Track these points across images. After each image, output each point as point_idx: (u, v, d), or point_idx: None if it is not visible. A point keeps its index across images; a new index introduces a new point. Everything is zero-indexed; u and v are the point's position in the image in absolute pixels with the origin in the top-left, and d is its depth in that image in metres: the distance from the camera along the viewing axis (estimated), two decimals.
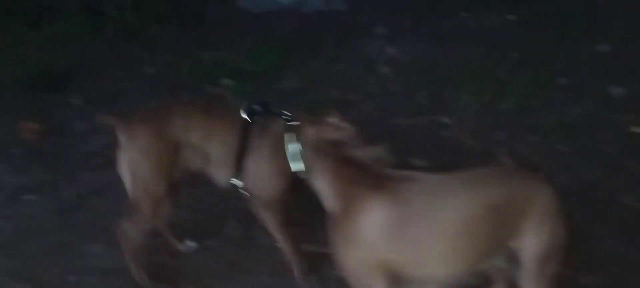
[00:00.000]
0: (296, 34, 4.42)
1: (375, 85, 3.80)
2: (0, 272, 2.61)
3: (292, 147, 2.18)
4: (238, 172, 2.29)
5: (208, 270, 2.56)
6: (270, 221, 2.38)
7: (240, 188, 2.33)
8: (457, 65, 3.91)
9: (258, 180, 2.29)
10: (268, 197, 2.33)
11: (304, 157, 2.12)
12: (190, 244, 2.67)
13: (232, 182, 2.32)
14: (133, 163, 2.27)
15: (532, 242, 1.85)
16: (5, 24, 4.66)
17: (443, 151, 3.12)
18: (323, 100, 3.55)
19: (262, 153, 2.26)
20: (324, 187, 1.98)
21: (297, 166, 2.16)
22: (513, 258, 1.92)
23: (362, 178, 1.88)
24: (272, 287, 2.50)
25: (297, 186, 2.24)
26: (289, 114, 2.28)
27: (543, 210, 1.84)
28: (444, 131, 3.32)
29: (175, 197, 2.50)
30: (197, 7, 4.85)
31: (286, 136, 2.20)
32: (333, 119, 2.17)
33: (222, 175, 2.33)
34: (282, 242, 2.44)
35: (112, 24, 4.74)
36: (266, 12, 4.73)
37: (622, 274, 2.38)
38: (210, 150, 2.29)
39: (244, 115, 2.27)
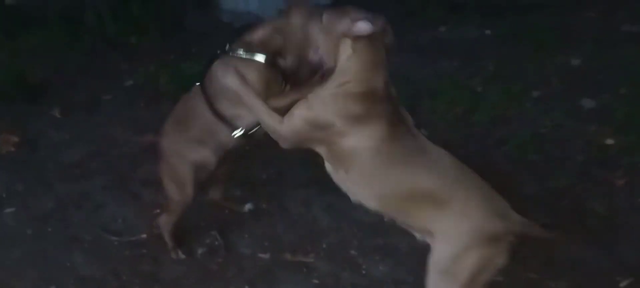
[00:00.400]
0: None
1: None
2: None
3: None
4: None
5: (189, 278, 2.57)
6: None
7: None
8: (433, 77, 4.00)
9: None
10: None
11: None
12: (248, 206, 2.90)
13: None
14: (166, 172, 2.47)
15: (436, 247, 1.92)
16: None
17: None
18: None
19: None
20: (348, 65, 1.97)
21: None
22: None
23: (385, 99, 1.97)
24: None
25: None
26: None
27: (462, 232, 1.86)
28: None
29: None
30: (177, 18, 4.87)
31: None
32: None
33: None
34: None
35: (91, 34, 4.72)
36: (247, 25, 4.74)
37: (586, 279, 2.47)
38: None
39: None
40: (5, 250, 2.73)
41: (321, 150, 2.03)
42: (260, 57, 2.17)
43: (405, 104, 3.58)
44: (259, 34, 2.24)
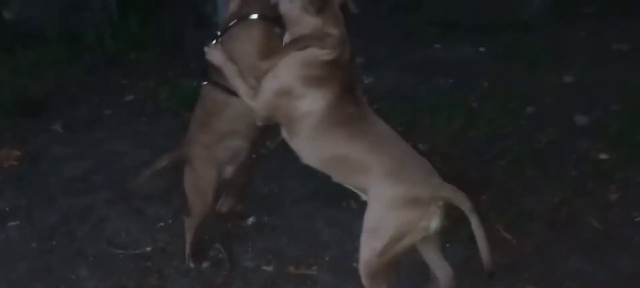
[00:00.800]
0: None
1: None
2: None
3: None
4: None
5: None
6: None
7: None
8: (430, 94, 4.08)
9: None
10: None
11: None
12: (251, 219, 2.97)
13: None
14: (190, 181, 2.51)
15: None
16: None
17: None
18: None
19: None
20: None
21: None
22: None
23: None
24: None
25: None
26: None
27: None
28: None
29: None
30: (176, 35, 4.93)
31: None
32: None
33: None
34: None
35: (90, 51, 4.77)
36: None
37: None
38: None
39: None
40: (11, 264, 2.74)
41: (281, 117, 2.14)
42: (253, 15, 2.21)
43: (403, 120, 3.75)
44: (234, 3, 2.29)
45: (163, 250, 2.78)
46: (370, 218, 2.04)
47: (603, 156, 3.34)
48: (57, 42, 4.73)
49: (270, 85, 2.09)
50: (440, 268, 2.28)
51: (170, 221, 2.95)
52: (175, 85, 4.28)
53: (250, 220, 2.96)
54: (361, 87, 2.21)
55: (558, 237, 2.83)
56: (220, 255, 2.76)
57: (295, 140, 2.14)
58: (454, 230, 2.83)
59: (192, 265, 2.67)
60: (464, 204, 2.00)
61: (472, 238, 2.78)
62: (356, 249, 2.74)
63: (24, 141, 3.71)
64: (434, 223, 2.01)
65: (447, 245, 2.76)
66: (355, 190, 2.17)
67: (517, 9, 4.84)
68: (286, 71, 2.08)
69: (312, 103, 2.06)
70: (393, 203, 1.99)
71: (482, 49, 4.69)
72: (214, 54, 2.20)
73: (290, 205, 3.06)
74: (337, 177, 2.17)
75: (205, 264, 2.71)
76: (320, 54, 2.05)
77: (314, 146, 2.12)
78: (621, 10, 5.14)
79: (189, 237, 2.64)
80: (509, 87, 4.08)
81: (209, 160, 2.41)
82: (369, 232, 2.04)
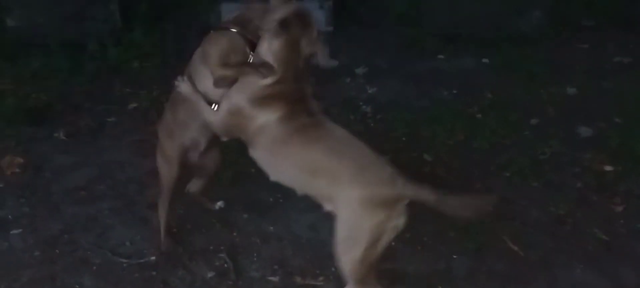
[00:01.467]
0: None
1: (356, 123, 3.93)
2: None
3: None
4: None
5: None
6: None
7: None
8: (433, 105, 4.09)
9: None
10: None
11: None
12: (219, 204, 3.08)
13: None
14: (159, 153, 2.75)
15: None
16: None
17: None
18: None
19: None
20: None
21: None
22: None
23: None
24: None
25: None
26: None
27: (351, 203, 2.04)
28: (425, 167, 3.45)
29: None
30: (180, 44, 4.94)
31: None
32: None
33: None
34: None
35: (93, 60, 4.76)
36: None
37: None
38: None
39: None
40: (14, 273, 2.72)
41: (240, 134, 2.27)
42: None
43: (406, 131, 3.76)
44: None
45: (168, 259, 2.76)
46: (343, 226, 2.07)
47: (607, 168, 3.36)
48: (60, 51, 4.71)
49: (224, 105, 2.25)
50: None
51: (174, 230, 2.93)
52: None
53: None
54: (314, 99, 2.27)
55: (562, 248, 2.84)
56: (226, 265, 2.75)
57: (257, 155, 2.25)
58: (459, 242, 2.85)
59: (169, 248, 2.80)
60: (430, 197, 2.06)
61: (478, 249, 2.83)
62: None
63: (27, 149, 3.70)
64: (402, 221, 2.08)
65: (454, 256, 2.78)
66: (319, 201, 2.19)
67: (517, 22, 4.88)
68: (236, 93, 2.22)
69: (263, 120, 2.17)
70: (363, 207, 2.02)
71: (484, 61, 4.72)
72: (182, 86, 2.41)
73: (295, 215, 3.05)
74: (301, 188, 2.22)
75: (210, 274, 2.71)
76: (261, 81, 2.18)
77: (274, 160, 2.21)
78: (621, 23, 5.19)
79: (162, 219, 2.80)
80: (512, 99, 4.10)
81: (171, 137, 2.62)
82: (345, 242, 2.08)
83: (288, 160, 2.17)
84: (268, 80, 2.17)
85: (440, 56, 4.84)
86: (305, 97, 2.23)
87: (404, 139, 3.74)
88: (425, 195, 2.06)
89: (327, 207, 2.15)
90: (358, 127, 3.89)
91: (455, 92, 4.28)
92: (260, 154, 2.24)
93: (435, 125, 3.80)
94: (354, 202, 2.03)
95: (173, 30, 5.10)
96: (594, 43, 4.99)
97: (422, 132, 3.78)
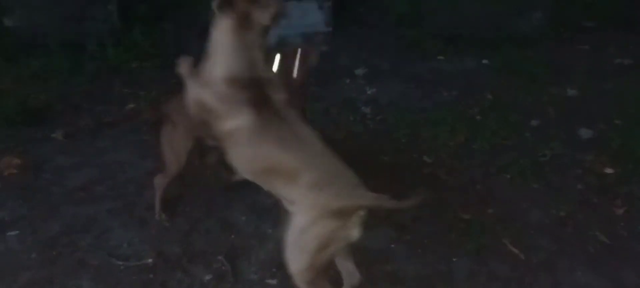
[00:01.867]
0: None
1: (356, 124, 3.91)
2: None
3: None
4: None
5: None
6: None
7: None
8: (433, 106, 4.08)
9: None
10: None
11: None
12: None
13: None
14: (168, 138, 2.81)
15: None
16: None
17: (424, 188, 3.23)
18: None
19: None
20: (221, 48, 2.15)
21: None
22: None
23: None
24: None
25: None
26: None
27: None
28: (425, 168, 3.43)
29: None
30: (179, 44, 4.93)
31: None
32: None
33: None
34: None
35: (93, 60, 4.75)
36: None
37: None
38: None
39: None
40: (11, 275, 2.71)
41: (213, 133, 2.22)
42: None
43: (406, 132, 3.75)
44: None
45: (166, 262, 2.75)
46: (294, 230, 2.05)
47: (608, 170, 3.34)
48: (60, 51, 4.71)
49: (190, 94, 2.24)
50: (350, 275, 2.36)
51: (174, 232, 2.92)
52: (177, 94, 4.24)
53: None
54: (283, 90, 2.21)
55: (564, 250, 2.82)
56: (224, 268, 2.73)
57: (230, 157, 2.20)
58: (460, 244, 2.84)
59: (166, 222, 2.92)
60: (390, 204, 2.02)
61: (478, 252, 2.81)
62: (361, 263, 2.76)
63: (26, 150, 3.68)
64: (355, 232, 2.05)
65: (454, 258, 2.76)
66: (282, 200, 2.18)
67: (518, 23, 4.87)
68: (198, 87, 2.20)
69: (232, 122, 2.11)
70: (315, 215, 1.99)
71: (485, 62, 4.70)
72: (183, 65, 2.35)
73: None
74: (267, 187, 2.20)
75: (208, 276, 2.69)
76: (219, 70, 2.14)
77: (242, 160, 2.18)
78: (622, 24, 5.18)
79: (158, 193, 2.91)
80: (512, 100, 4.09)
81: (185, 125, 2.62)
82: (294, 246, 2.06)
83: (251, 160, 2.15)
84: (223, 74, 2.11)
85: (441, 57, 4.83)
86: (270, 88, 2.15)
87: (404, 140, 3.72)
88: (385, 203, 2.02)
89: (289, 208, 2.12)
90: (358, 128, 3.88)
91: (455, 93, 4.27)
92: (230, 154, 2.20)
93: (435, 126, 3.79)
94: (308, 208, 2.00)
95: (173, 30, 5.10)
96: (595, 44, 4.98)
97: (422, 133, 3.76)
